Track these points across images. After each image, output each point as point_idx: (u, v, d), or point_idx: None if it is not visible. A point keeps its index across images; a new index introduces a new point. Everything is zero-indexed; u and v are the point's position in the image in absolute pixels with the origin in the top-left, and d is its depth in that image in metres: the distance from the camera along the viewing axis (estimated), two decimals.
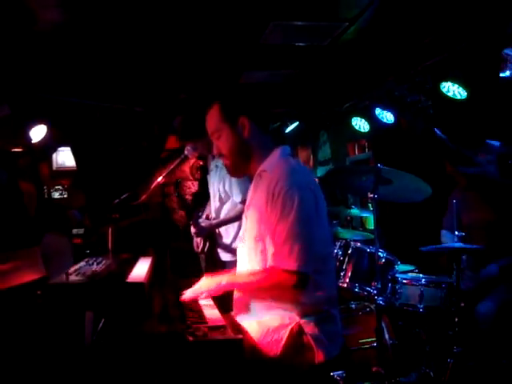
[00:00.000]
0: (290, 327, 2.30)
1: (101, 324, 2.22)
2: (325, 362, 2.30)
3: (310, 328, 2.31)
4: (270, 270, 2.31)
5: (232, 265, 3.14)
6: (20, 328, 2.08)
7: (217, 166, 4.28)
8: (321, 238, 2.34)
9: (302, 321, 2.31)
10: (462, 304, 3.53)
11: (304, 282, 2.23)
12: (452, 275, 3.62)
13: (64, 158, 8.89)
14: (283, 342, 2.29)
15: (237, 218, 4.02)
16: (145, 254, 3.29)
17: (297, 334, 2.30)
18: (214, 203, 4.33)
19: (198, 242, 4.34)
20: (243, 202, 3.85)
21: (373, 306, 3.92)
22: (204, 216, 4.47)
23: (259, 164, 2.49)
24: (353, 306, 4.22)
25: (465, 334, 3.57)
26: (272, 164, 2.44)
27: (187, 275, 3.32)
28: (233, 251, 4.08)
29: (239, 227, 3.99)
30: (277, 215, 2.27)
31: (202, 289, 2.44)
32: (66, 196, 9.10)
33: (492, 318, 3.61)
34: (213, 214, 4.33)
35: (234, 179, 4.04)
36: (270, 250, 2.33)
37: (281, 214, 2.26)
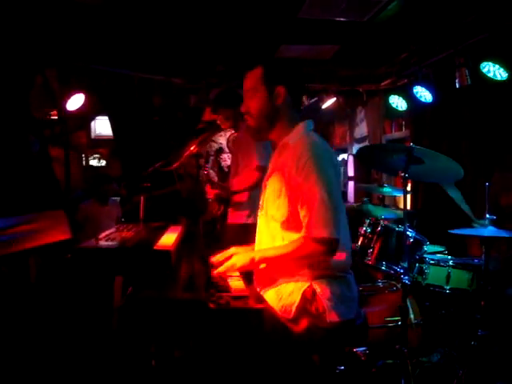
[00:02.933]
0: (302, 290, 2.38)
1: (129, 290, 2.28)
2: (339, 322, 2.36)
3: (321, 289, 2.38)
4: (301, 240, 2.36)
5: (237, 228, 3.19)
6: (43, 286, 2.16)
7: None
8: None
9: (314, 283, 2.39)
10: (489, 287, 3.50)
11: (335, 247, 2.31)
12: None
13: (102, 126, 9.03)
14: (296, 305, 2.37)
15: (252, 186, 4.11)
16: (176, 223, 3.35)
17: (309, 297, 2.37)
18: (232, 174, 4.44)
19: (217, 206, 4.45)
20: (258, 168, 3.92)
21: (399, 285, 3.92)
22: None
23: (283, 135, 2.55)
24: (380, 283, 4.24)
25: (490, 318, 3.55)
26: (295, 137, 2.51)
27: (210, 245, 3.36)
28: (240, 215, 4.20)
29: (254, 194, 4.09)
30: (303, 186, 2.35)
31: (236, 265, 2.47)
32: (103, 164, 9.27)
33: None
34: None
35: (253, 147, 4.12)
36: (292, 218, 2.40)
37: (307, 185, 2.34)
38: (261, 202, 2.66)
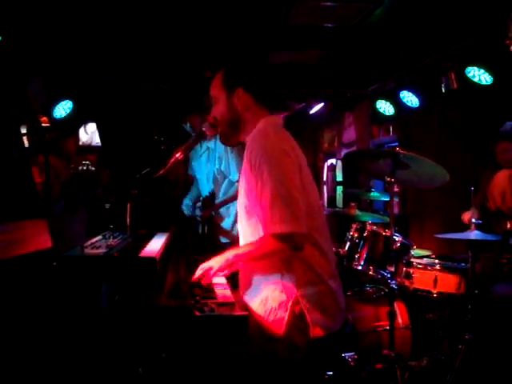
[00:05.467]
0: (290, 304, 2.34)
1: (116, 298, 2.28)
2: (324, 336, 2.34)
3: (307, 303, 2.34)
4: (262, 238, 2.34)
5: (231, 246, 3.18)
6: (28, 296, 2.15)
7: (208, 148, 4.32)
8: (307, 205, 2.36)
9: (300, 297, 2.35)
10: (476, 291, 3.52)
11: (298, 241, 2.27)
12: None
13: (91, 134, 8.98)
14: (285, 321, 2.33)
15: (235, 196, 4.08)
16: (166, 230, 3.33)
17: (297, 313, 2.34)
18: (207, 186, 4.38)
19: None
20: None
21: (387, 290, 3.93)
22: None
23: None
24: (368, 288, 4.25)
25: (478, 321, 3.57)
26: (254, 134, 2.49)
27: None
28: (234, 232, 4.14)
29: None
30: (258, 184, 2.32)
31: (214, 267, 2.44)
32: (92, 171, 9.21)
33: (507, 301, 3.60)
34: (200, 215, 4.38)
35: (230, 158, 4.09)
36: (259, 218, 2.38)
37: (261, 182, 2.30)
38: (238, 204, 2.64)
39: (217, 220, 4.38)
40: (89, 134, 8.36)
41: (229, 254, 2.45)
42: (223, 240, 4.36)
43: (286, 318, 2.34)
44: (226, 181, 4.25)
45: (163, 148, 6.59)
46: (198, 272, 2.47)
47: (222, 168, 4.19)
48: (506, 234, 3.79)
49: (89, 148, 8.48)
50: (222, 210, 4.33)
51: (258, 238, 2.39)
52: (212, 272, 2.43)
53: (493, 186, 4.43)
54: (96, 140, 8.02)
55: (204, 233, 4.35)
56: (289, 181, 2.29)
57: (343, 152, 8.92)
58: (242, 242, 2.63)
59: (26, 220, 2.15)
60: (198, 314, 1.98)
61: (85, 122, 7.48)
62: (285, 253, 2.33)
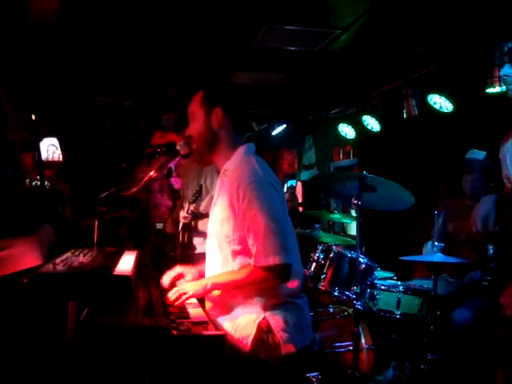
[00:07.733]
0: (257, 322, 2.37)
1: (83, 314, 2.24)
2: (295, 352, 2.37)
3: (275, 321, 2.37)
4: (250, 269, 2.36)
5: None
6: (7, 315, 2.10)
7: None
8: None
9: (268, 314, 2.38)
10: (438, 312, 3.59)
11: (287, 271, 2.31)
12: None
13: (49, 149, 8.84)
14: (252, 338, 2.36)
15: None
16: (124, 248, 3.31)
17: (265, 329, 2.37)
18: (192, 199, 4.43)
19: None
20: None
21: (351, 311, 3.98)
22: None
23: (225, 160, 2.55)
24: (331, 309, 4.29)
25: (439, 342, 3.64)
26: (235, 163, 2.51)
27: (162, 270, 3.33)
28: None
29: None
30: (246, 215, 2.34)
31: (188, 292, 2.46)
32: (48, 186, 9.04)
33: (467, 326, 3.69)
34: (191, 210, 4.40)
35: (215, 175, 4.13)
36: (234, 246, 2.41)
37: (250, 214, 2.32)
38: (208, 230, 2.64)
39: (194, 232, 4.40)
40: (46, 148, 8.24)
41: (207, 282, 2.48)
42: (199, 250, 4.36)
43: (253, 334, 2.36)
44: (208, 196, 4.28)
45: (123, 166, 6.56)
46: (173, 295, 2.47)
47: (208, 183, 4.23)
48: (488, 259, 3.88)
49: (45, 163, 8.33)
50: (200, 224, 4.34)
51: (240, 267, 2.42)
52: (186, 297, 2.46)
53: (475, 211, 4.46)
54: (54, 155, 7.91)
55: (184, 241, 4.34)
56: (277, 214, 2.34)
57: (303, 174, 9.03)
58: (208, 265, 2.64)
59: (18, 237, 2.11)
60: (175, 333, 1.97)
61: (45, 137, 7.37)
62: (271, 283, 2.36)
